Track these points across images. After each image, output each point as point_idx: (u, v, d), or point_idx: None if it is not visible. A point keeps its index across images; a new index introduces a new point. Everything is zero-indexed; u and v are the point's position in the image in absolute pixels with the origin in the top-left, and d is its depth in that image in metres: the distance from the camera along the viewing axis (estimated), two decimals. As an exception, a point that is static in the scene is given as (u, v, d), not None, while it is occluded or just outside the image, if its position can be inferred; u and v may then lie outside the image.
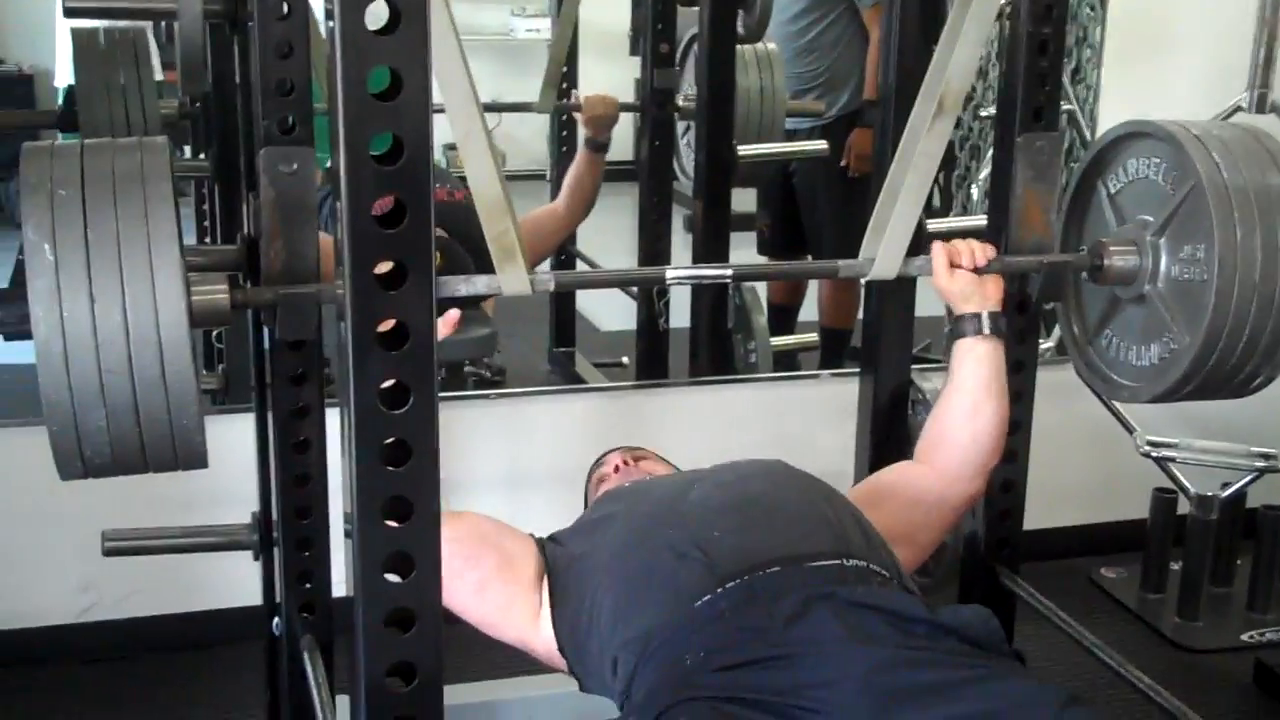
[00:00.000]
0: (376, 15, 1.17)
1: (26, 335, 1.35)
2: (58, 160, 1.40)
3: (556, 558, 1.95)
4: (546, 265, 3.73)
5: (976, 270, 2.04)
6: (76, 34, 2.97)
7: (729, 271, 2.28)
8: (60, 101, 4.02)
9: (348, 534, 1.33)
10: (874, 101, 3.82)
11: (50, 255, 1.33)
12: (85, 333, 1.34)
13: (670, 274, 2.07)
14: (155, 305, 1.36)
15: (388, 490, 1.26)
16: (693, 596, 1.77)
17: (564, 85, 3.86)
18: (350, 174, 1.19)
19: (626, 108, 3.64)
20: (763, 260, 4.17)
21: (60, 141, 1.46)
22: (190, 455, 1.45)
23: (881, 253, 2.00)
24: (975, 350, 2.07)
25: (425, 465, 1.26)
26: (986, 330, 2.07)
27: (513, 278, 1.79)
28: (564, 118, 3.93)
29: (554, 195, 3.94)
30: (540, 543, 1.99)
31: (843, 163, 3.97)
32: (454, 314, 1.85)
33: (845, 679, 1.62)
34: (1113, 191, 2.05)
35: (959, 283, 2.04)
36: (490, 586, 1.92)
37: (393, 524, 1.27)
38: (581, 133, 3.68)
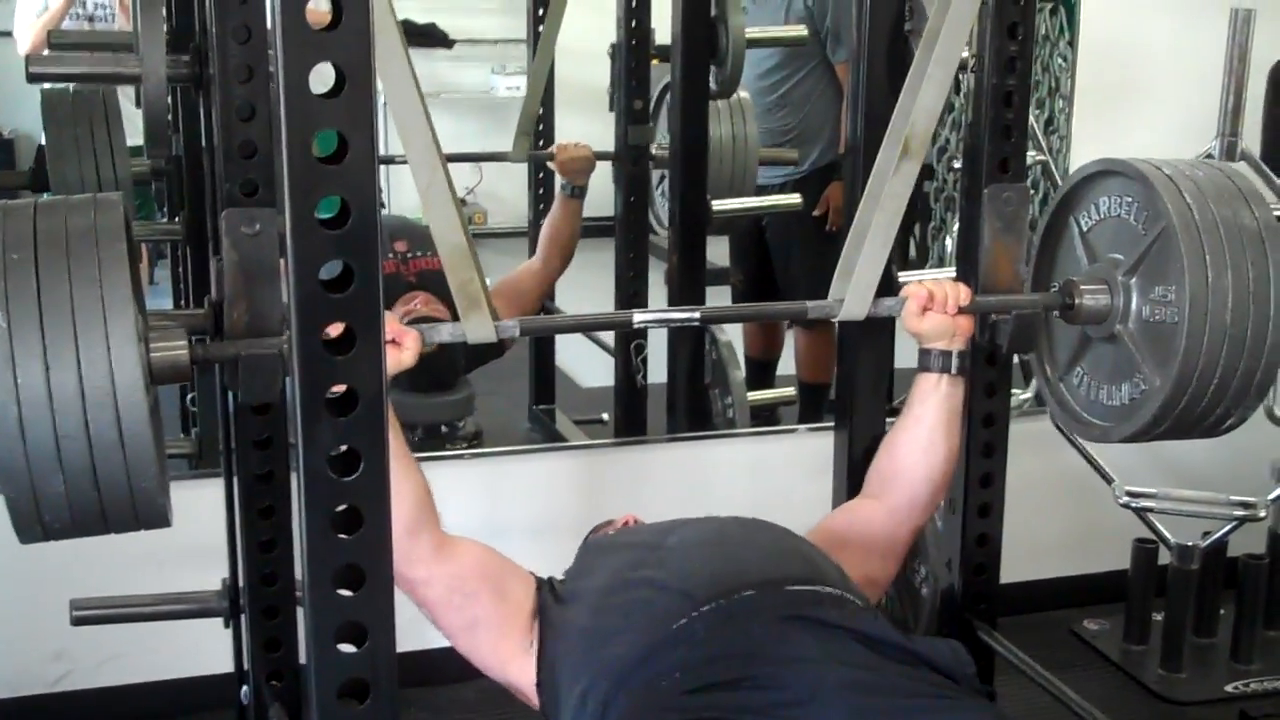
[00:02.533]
0: (322, 78, 1.16)
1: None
2: (10, 221, 1.38)
3: (548, 603, 1.95)
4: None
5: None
6: (46, 94, 2.97)
7: (696, 314, 2.24)
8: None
9: (300, 602, 1.31)
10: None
11: (2, 321, 1.32)
12: (40, 398, 1.32)
13: (639, 317, 2.06)
14: (110, 368, 1.34)
15: (340, 559, 1.24)
16: (669, 621, 1.78)
17: (540, 143, 3.87)
18: (297, 237, 1.18)
19: (602, 155, 3.64)
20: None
21: (13, 201, 1.44)
22: (151, 516, 1.42)
23: (850, 293, 2.00)
24: (940, 388, 2.09)
25: (378, 533, 1.24)
26: (954, 370, 2.08)
27: (477, 325, 1.80)
28: (540, 173, 3.94)
29: (533, 249, 3.95)
30: (540, 583, 1.99)
31: (816, 212, 3.97)
32: (416, 336, 1.82)
33: (820, 698, 1.63)
34: (1084, 229, 2.04)
35: (931, 323, 2.04)
36: (482, 625, 1.92)
37: (345, 593, 1.25)
38: (559, 181, 3.68)
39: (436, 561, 1.88)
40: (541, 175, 3.96)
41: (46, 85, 3.73)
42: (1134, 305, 1.94)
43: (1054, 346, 2.13)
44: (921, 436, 2.09)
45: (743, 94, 3.63)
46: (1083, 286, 1.98)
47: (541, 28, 3.75)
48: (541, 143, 3.88)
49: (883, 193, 1.96)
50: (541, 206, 3.92)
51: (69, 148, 2.82)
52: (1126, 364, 1.96)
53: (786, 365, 4.19)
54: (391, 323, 1.75)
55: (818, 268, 3.93)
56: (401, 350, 1.77)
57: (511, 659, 1.91)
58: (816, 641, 1.70)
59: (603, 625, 1.84)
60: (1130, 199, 1.95)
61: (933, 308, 2.02)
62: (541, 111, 3.86)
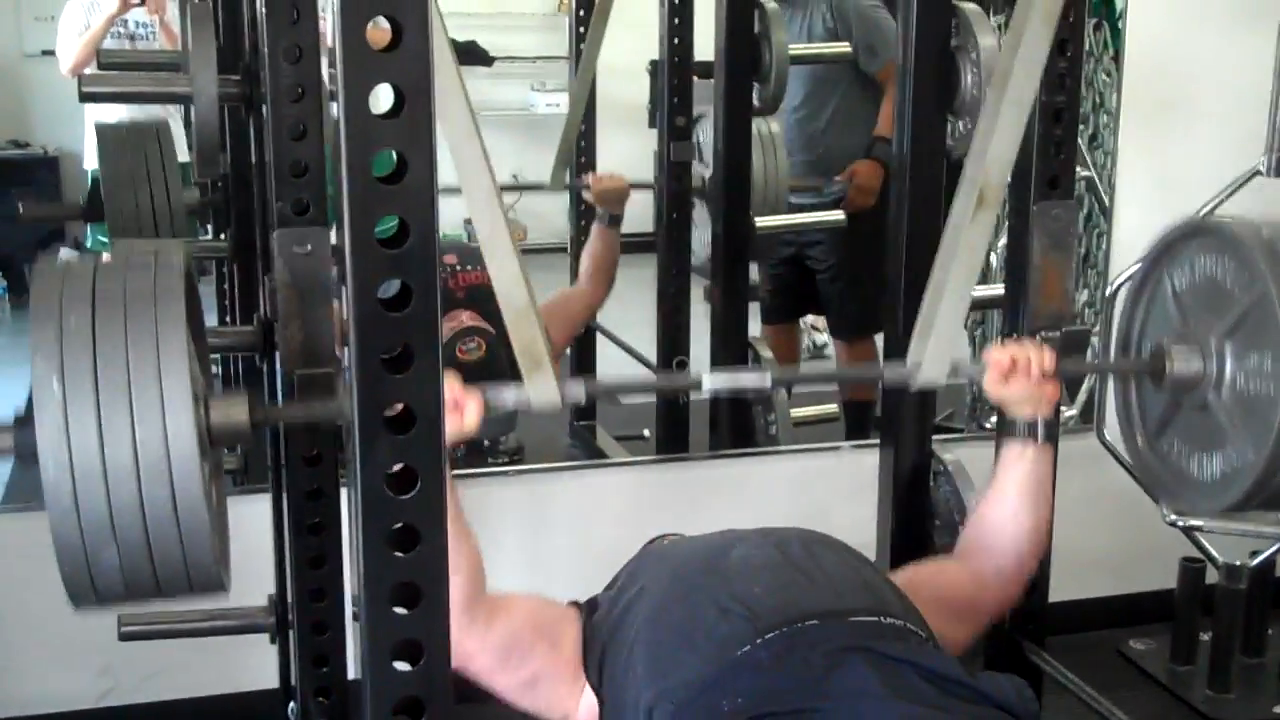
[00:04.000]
0: (381, 98, 1.17)
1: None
2: (68, 286, 1.36)
3: (597, 622, 1.94)
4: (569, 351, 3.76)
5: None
6: (100, 126, 3.00)
7: (768, 379, 2.17)
8: (86, 191, 4.06)
9: (356, 618, 1.32)
10: (882, 137, 3.83)
11: (58, 392, 1.31)
12: (95, 470, 1.30)
13: (708, 383, 1.94)
14: (165, 437, 1.31)
15: (396, 576, 1.24)
16: (733, 646, 1.77)
17: (582, 159, 3.89)
18: (356, 257, 1.18)
19: (637, 186, 3.66)
20: (767, 327, 4.16)
21: (73, 259, 1.43)
22: (207, 584, 1.41)
23: (928, 357, 1.90)
24: (1024, 456, 2.01)
25: (434, 550, 1.24)
26: (1040, 439, 2.00)
27: (542, 389, 1.74)
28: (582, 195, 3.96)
29: (574, 268, 3.96)
30: (580, 609, 1.99)
31: (838, 179, 3.97)
32: (479, 402, 1.77)
33: None
34: (1178, 288, 1.95)
35: (1015, 389, 1.94)
36: (543, 679, 1.92)
37: (401, 610, 1.25)
38: (597, 209, 3.70)
39: (489, 629, 1.87)
40: (583, 144, 3.97)
41: (99, 116, 3.79)
42: (1228, 373, 1.84)
43: (1143, 407, 2.04)
44: (1006, 508, 2.03)
45: (773, 125, 3.64)
46: (1174, 350, 1.89)
47: (583, 47, 3.77)
48: (583, 159, 3.90)
49: (959, 246, 1.87)
50: (583, 223, 3.93)
51: (124, 179, 2.85)
52: (1219, 434, 1.87)
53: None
54: (453, 386, 1.70)
55: (859, 285, 3.98)
56: (464, 414, 1.72)
57: (572, 700, 1.91)
58: (880, 676, 1.68)
59: (666, 643, 1.83)
60: (1226, 260, 1.85)
61: (1016, 374, 1.94)
62: (584, 128, 3.87)
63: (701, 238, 3.64)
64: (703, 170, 3.61)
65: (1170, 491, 2.02)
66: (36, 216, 3.35)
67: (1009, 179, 1.90)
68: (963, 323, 1.89)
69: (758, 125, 3.55)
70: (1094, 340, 3.44)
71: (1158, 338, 1.96)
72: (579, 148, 3.88)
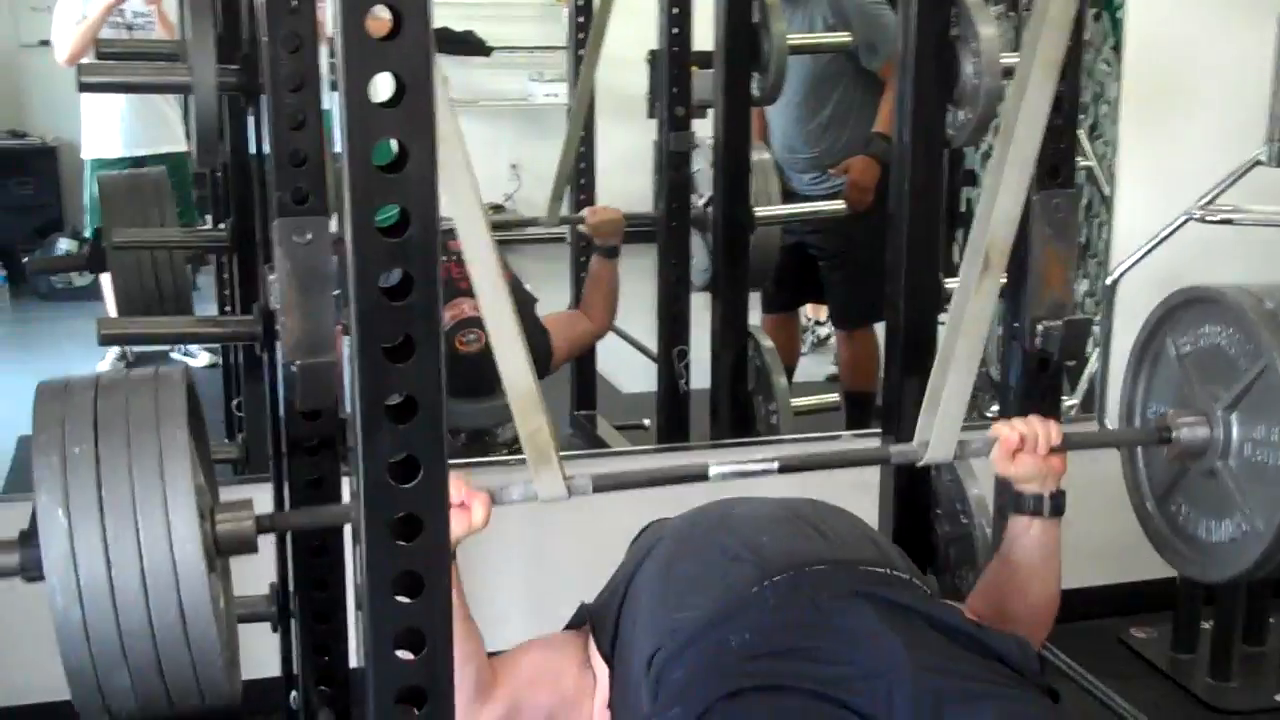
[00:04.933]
0: (382, 87, 1.17)
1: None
2: (70, 408, 1.36)
3: (603, 612, 1.96)
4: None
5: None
6: (102, 180, 3.04)
7: (775, 465, 2.00)
8: (86, 192, 4.08)
9: (359, 606, 1.32)
10: (880, 134, 3.82)
11: (64, 521, 1.30)
12: (103, 597, 1.31)
13: (714, 469, 1.90)
14: (173, 558, 1.31)
15: (398, 565, 1.24)
16: (741, 587, 1.79)
17: (581, 197, 3.93)
18: (357, 246, 1.18)
19: (632, 218, 3.70)
20: (767, 317, 4.15)
21: (73, 379, 1.41)
22: (218, 696, 1.40)
23: (936, 435, 1.87)
24: (1031, 530, 1.97)
25: (436, 540, 1.24)
26: (1047, 512, 1.97)
27: (548, 481, 1.71)
28: (581, 179, 3.97)
29: (573, 260, 3.96)
30: (585, 617, 1.99)
31: (831, 170, 3.98)
32: (486, 499, 1.73)
33: (888, 674, 1.62)
34: (1182, 353, 1.96)
35: (1022, 466, 1.92)
36: (558, 712, 1.93)
37: (404, 599, 1.25)
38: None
39: (494, 705, 1.87)
40: (583, 182, 3.98)
41: (96, 105, 3.79)
42: (1234, 442, 1.85)
43: (1150, 470, 2.05)
44: (1016, 580, 1.99)
45: (766, 154, 3.66)
46: (1180, 419, 1.90)
47: (584, 35, 3.77)
48: (582, 148, 3.90)
49: (965, 316, 1.83)
50: (584, 244, 3.95)
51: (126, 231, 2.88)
52: (1227, 501, 1.87)
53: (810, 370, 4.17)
54: (459, 485, 1.69)
55: (860, 274, 3.97)
56: (471, 513, 1.70)
57: (586, 713, 1.92)
58: (887, 620, 1.69)
59: (671, 591, 1.85)
60: (1230, 330, 1.86)
61: (1023, 451, 1.91)
62: (582, 150, 3.90)
63: (698, 265, 3.66)
64: (697, 199, 3.63)
65: (1180, 555, 2.01)
66: (46, 269, 3.42)
67: (1013, 241, 1.85)
68: (968, 396, 1.85)
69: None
70: (1094, 330, 3.45)
71: (1164, 408, 1.97)
72: (565, 188, 3.89)
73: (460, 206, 1.55)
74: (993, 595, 2.02)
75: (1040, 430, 1.90)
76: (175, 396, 1.39)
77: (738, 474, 1.94)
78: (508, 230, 3.99)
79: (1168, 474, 2.00)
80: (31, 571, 1.34)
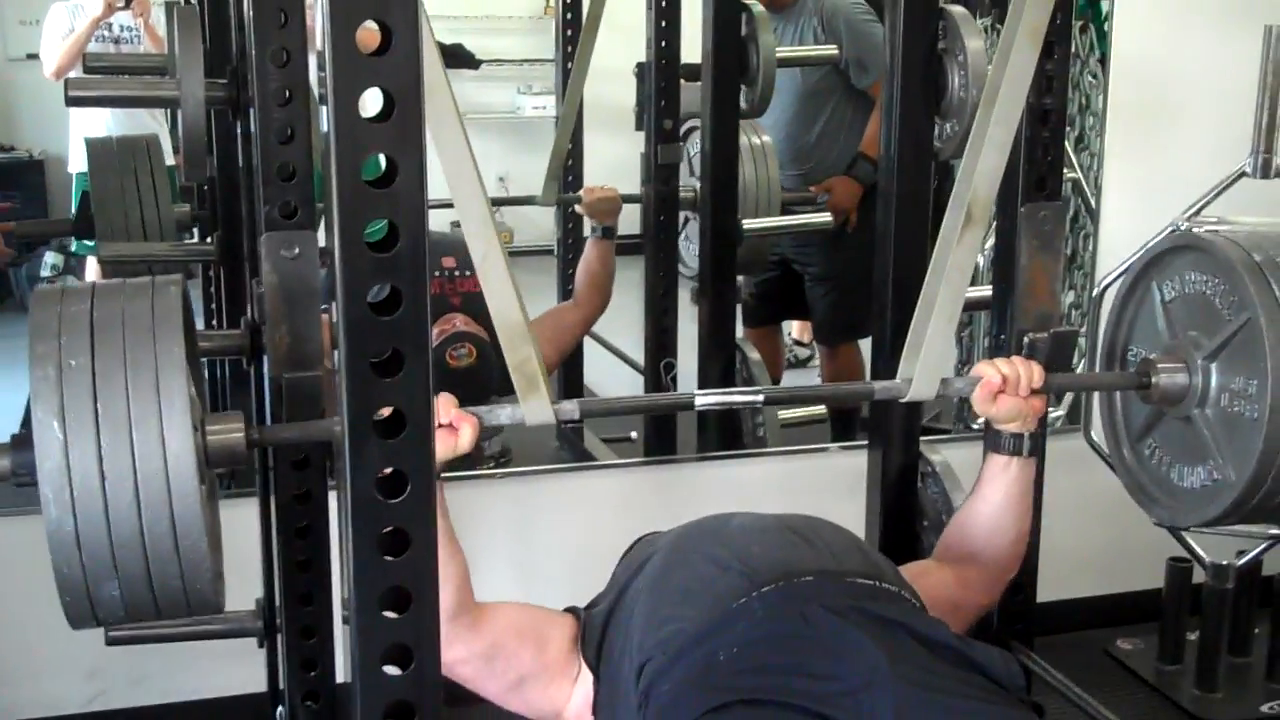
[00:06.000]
0: (371, 102, 1.17)
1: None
2: (66, 317, 1.36)
3: (595, 612, 1.97)
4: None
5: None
6: (90, 141, 2.99)
7: (760, 396, 2.17)
8: (74, 203, 4.05)
9: (346, 621, 1.31)
10: (865, 155, 3.83)
11: (59, 433, 1.30)
12: (97, 509, 1.31)
13: (700, 400, 1.95)
14: (166, 467, 1.32)
15: (386, 581, 1.24)
16: (729, 599, 1.79)
17: (569, 162, 3.89)
18: (345, 261, 1.18)
19: (629, 199, 3.66)
20: (750, 331, 4.15)
21: (69, 287, 1.42)
22: (204, 605, 1.42)
23: (919, 374, 1.93)
24: (1009, 469, 2.03)
25: (424, 555, 1.24)
26: (1026, 452, 2.02)
27: (536, 408, 1.76)
28: (569, 210, 3.96)
29: (560, 272, 3.95)
30: (578, 613, 2.01)
31: (813, 189, 3.96)
32: (474, 422, 1.77)
33: (871, 688, 1.63)
34: (1167, 299, 1.97)
35: (1004, 406, 1.96)
36: (529, 680, 1.93)
37: (391, 615, 1.25)
38: (588, 223, 3.70)
39: (474, 637, 1.88)
40: (570, 211, 3.98)
41: (84, 120, 3.76)
42: (1212, 391, 1.87)
43: (1127, 412, 2.07)
44: (990, 518, 2.05)
45: (764, 137, 3.65)
46: (1160, 366, 1.92)
47: (572, 49, 3.77)
48: (570, 161, 3.90)
49: (947, 265, 1.89)
50: (570, 225, 3.94)
51: (114, 195, 2.84)
52: (1201, 448, 1.90)
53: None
54: (448, 407, 1.72)
55: (845, 291, 3.98)
56: (458, 435, 1.74)
57: (563, 698, 1.93)
58: (872, 634, 1.70)
59: (663, 603, 1.85)
60: (1216, 280, 1.87)
61: (1005, 391, 1.95)
62: (570, 148, 3.87)
63: (693, 249, 3.65)
64: (694, 181, 3.61)
65: (1151, 498, 2.03)
66: (30, 234, 3.36)
67: (996, 195, 1.90)
68: (952, 339, 1.89)
69: (749, 137, 3.57)
70: (1081, 342, 3.45)
71: (1145, 351, 1.98)
72: (566, 166, 3.88)
73: (448, 149, 1.59)
74: (964, 535, 2.08)
75: (1023, 371, 1.95)
76: (171, 306, 1.39)
77: (723, 405, 2.04)
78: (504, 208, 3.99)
79: (1145, 416, 2.03)
80: (22, 476, 1.35)
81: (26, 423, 1.31)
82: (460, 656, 1.86)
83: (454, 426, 1.73)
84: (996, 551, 2.06)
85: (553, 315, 3.65)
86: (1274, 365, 1.75)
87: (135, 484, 1.31)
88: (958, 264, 1.89)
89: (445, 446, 1.71)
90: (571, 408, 1.82)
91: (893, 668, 1.65)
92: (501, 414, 1.77)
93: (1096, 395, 2.20)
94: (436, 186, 1.38)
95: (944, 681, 1.68)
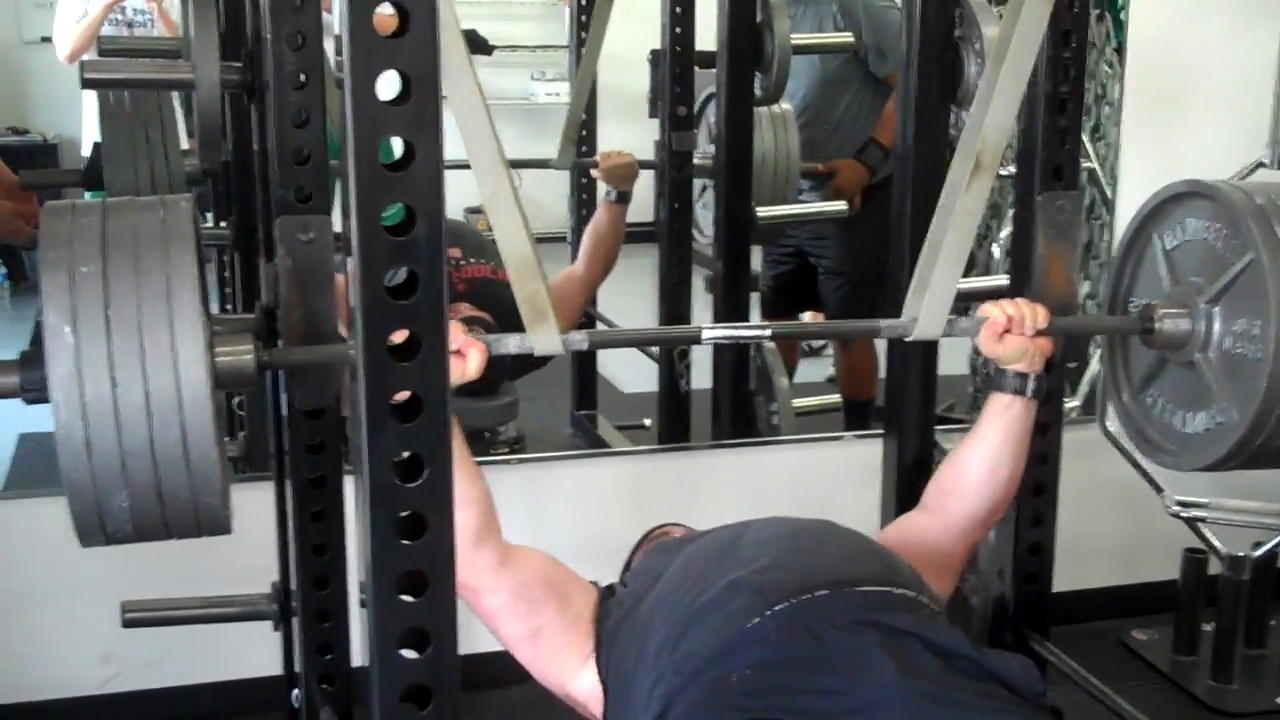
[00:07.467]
0: (388, 85, 1.16)
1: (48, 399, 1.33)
2: (78, 228, 1.36)
3: (612, 610, 1.95)
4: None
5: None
6: (102, 95, 2.98)
7: (767, 331, 2.20)
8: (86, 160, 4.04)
9: (363, 604, 1.31)
10: (877, 141, 3.82)
11: (70, 338, 1.31)
12: (107, 414, 1.31)
13: (707, 333, 1.97)
14: (177, 378, 1.32)
15: (403, 564, 1.24)
16: (742, 619, 1.77)
17: (583, 148, 3.88)
18: (362, 245, 1.18)
19: (644, 164, 3.64)
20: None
21: (82, 201, 1.42)
22: (213, 524, 1.42)
23: (924, 313, 1.92)
24: (1012, 409, 2.03)
25: (441, 538, 1.24)
26: (1029, 393, 2.02)
27: (544, 338, 1.76)
28: (584, 179, 3.94)
29: (575, 257, 3.95)
30: (601, 592, 2.00)
31: (821, 168, 3.95)
32: (482, 348, 1.77)
33: (884, 706, 1.62)
34: (1168, 247, 1.98)
35: (1009, 346, 1.96)
36: (545, 634, 1.92)
37: (408, 598, 1.25)
38: (602, 189, 3.68)
39: (501, 569, 1.87)
40: (585, 181, 3.96)
41: (97, 103, 3.75)
42: (1215, 334, 1.87)
43: (1129, 362, 2.08)
44: (988, 456, 2.05)
45: (785, 105, 3.63)
46: (1162, 310, 1.92)
47: (585, 35, 3.76)
48: (584, 149, 3.89)
49: (955, 208, 1.89)
50: (584, 212, 3.93)
51: (124, 149, 2.82)
52: (1204, 393, 1.90)
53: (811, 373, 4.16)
54: (457, 333, 1.72)
55: (859, 284, 3.97)
56: (466, 361, 1.74)
57: (573, 672, 1.91)
58: (886, 649, 1.68)
59: (677, 621, 1.83)
60: (1218, 224, 1.88)
61: (1011, 330, 1.96)
62: (585, 117, 3.86)
63: (709, 216, 3.62)
64: (711, 148, 3.59)
65: (1155, 445, 2.03)
66: (35, 184, 3.33)
67: (1005, 145, 1.91)
68: (957, 281, 1.91)
69: (770, 107, 3.54)
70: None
71: (1148, 299, 1.98)
72: (580, 138, 3.86)
73: (455, 73, 1.58)
74: (958, 473, 2.07)
75: (1028, 312, 1.95)
76: (183, 220, 1.39)
77: (730, 339, 2.06)
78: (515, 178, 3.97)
79: (1147, 365, 2.03)
80: (32, 391, 1.34)
81: (35, 342, 1.31)
82: (488, 585, 1.86)
83: (462, 353, 1.73)
84: (992, 491, 2.05)
85: (555, 288, 3.62)
86: (1278, 304, 1.75)
87: (146, 393, 1.31)
88: (965, 209, 1.89)
89: (455, 372, 1.69)
90: (580, 338, 1.83)
91: (905, 683, 1.64)
92: (510, 342, 1.77)
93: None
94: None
95: (958, 694, 1.66)
